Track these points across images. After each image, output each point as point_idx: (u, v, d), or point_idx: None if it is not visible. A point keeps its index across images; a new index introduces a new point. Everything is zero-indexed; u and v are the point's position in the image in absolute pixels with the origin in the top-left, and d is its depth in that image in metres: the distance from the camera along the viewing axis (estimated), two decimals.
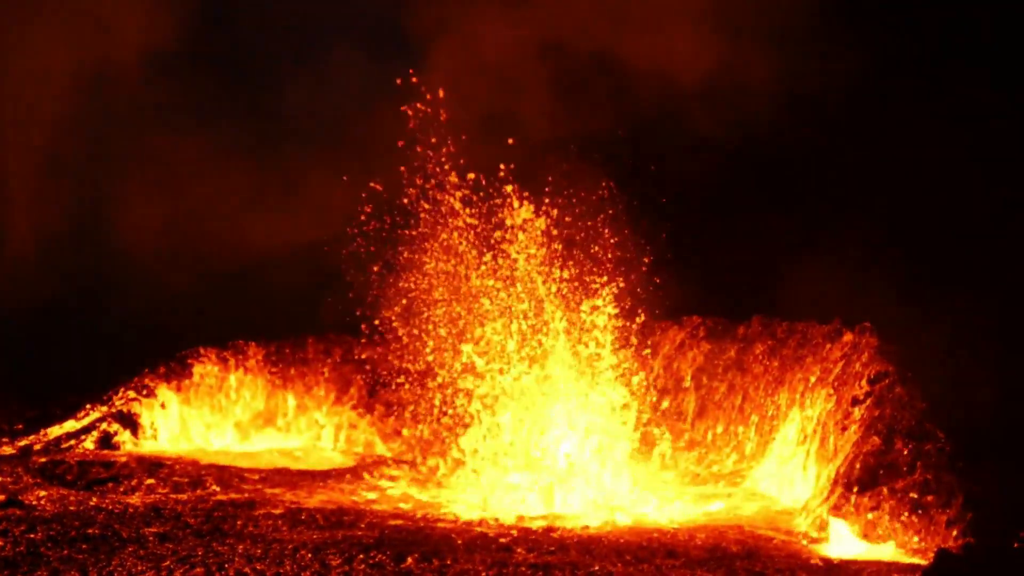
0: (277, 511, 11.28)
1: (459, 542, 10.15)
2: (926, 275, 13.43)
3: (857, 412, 12.08)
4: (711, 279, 15.05)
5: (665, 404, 15.22)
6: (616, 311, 13.45)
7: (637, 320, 13.83)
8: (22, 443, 14.55)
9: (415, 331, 14.19)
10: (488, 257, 13.63)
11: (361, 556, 9.47)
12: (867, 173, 15.19)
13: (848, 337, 13.11)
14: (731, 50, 15.02)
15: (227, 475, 13.09)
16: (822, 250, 13.87)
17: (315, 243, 15.51)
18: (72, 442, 14.59)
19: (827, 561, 10.30)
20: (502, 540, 10.38)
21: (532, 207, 13.46)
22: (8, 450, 14.32)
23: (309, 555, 9.48)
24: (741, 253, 14.75)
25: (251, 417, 15.54)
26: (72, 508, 11.13)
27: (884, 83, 14.74)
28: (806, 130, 14.58)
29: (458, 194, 13.71)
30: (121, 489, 12.44)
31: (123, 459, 13.66)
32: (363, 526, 10.84)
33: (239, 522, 10.75)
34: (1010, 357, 11.70)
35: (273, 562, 9.28)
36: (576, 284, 13.56)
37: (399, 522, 11.13)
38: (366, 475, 13.94)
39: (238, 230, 16.79)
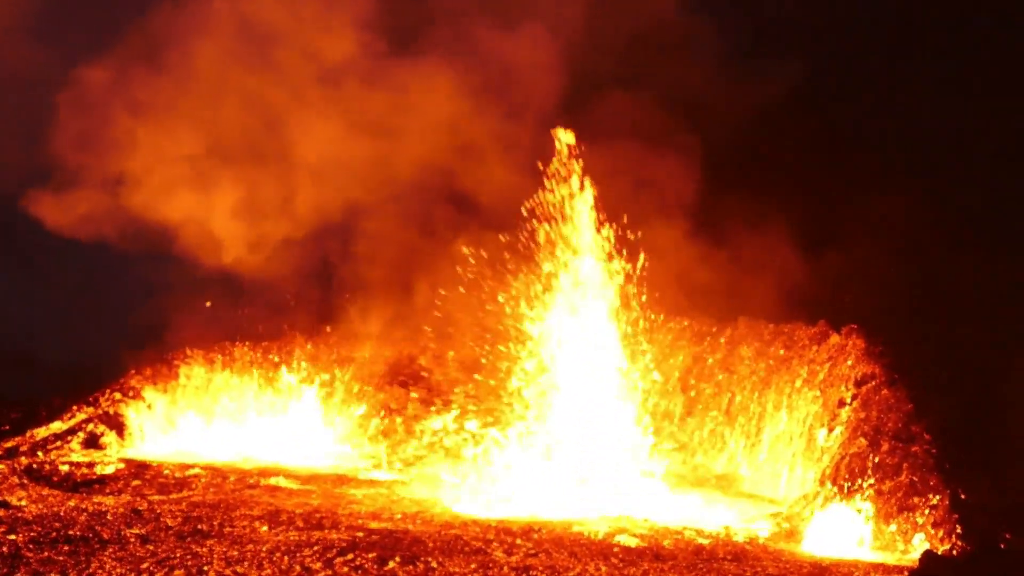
0: (256, 512, 11.20)
1: (432, 545, 10.03)
2: (915, 278, 13.39)
3: (843, 414, 12.04)
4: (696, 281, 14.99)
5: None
6: None
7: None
8: (8, 444, 14.47)
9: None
10: None
11: (340, 560, 9.39)
12: (860, 173, 15.16)
13: (835, 339, 13.06)
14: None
15: (210, 476, 13.03)
16: (810, 251, 13.83)
17: None
18: (58, 443, 14.51)
19: (815, 563, 10.22)
20: (476, 543, 10.25)
21: None
22: None
23: (286, 558, 9.40)
24: (730, 254, 14.69)
25: (236, 418, 15.47)
26: (55, 509, 11.05)
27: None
28: (794, 127, 14.55)
29: None
30: (107, 490, 12.40)
31: (109, 460, 13.60)
32: (342, 528, 10.75)
33: (217, 523, 10.67)
34: (996, 360, 11.66)
35: (252, 564, 9.20)
36: None
37: (376, 524, 11.01)
38: (346, 476, 13.87)
39: None
